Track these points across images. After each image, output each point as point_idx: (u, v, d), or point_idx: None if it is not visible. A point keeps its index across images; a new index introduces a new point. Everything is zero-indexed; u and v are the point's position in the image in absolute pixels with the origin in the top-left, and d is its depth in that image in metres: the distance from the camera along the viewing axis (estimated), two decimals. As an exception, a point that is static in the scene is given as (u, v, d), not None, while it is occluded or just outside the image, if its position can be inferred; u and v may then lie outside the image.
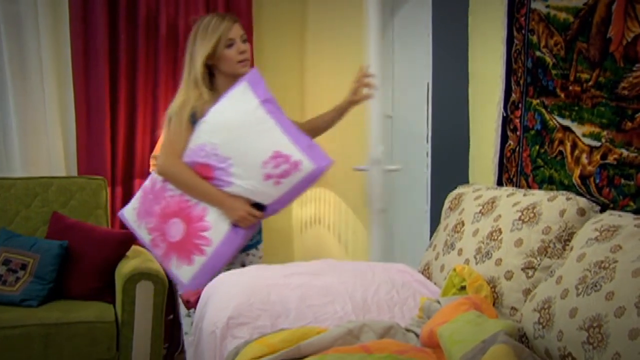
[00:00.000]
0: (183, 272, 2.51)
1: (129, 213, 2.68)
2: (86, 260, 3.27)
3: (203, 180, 2.48)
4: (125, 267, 3.18)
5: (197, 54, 2.51)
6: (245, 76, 2.53)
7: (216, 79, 2.59)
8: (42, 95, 3.80)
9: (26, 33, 3.76)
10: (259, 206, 2.50)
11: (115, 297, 3.22)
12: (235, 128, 2.48)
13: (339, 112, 2.82)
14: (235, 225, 2.48)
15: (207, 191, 2.47)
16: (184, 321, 2.71)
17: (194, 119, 2.51)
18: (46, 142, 3.82)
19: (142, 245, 2.70)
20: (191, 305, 2.39)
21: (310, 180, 2.46)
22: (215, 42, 2.49)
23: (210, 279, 2.36)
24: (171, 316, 3.88)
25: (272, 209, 2.53)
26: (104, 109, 3.88)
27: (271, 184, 2.43)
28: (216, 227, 2.48)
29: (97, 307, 3.15)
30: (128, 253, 3.39)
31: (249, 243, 2.68)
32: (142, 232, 2.61)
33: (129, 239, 3.36)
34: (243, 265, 2.64)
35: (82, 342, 3.00)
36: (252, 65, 2.60)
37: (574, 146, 2.21)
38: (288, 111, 2.54)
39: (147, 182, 2.68)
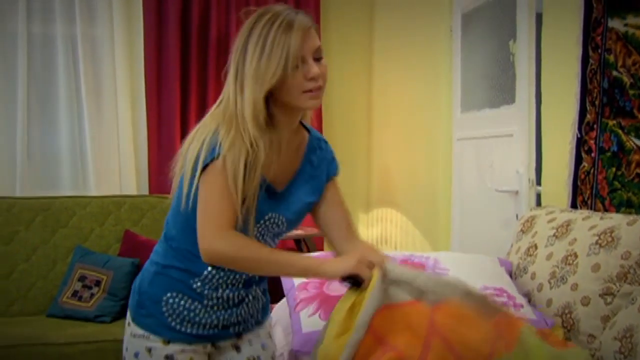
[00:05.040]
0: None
1: None
2: (157, 278, 3.35)
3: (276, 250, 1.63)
4: (194, 285, 3.23)
5: (249, 79, 1.56)
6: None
7: (272, 111, 1.60)
8: (116, 115, 3.95)
9: (102, 55, 3.93)
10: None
11: (185, 315, 3.28)
12: None
13: None
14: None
15: (290, 260, 1.57)
16: None
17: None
18: (118, 161, 3.96)
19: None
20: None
21: None
22: (281, 65, 1.53)
23: None
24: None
25: None
26: (175, 129, 3.99)
27: None
28: None
29: (167, 324, 3.21)
30: (197, 271, 3.44)
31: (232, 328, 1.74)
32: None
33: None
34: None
35: (152, 359, 3.05)
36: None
37: (652, 168, 2.15)
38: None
39: None
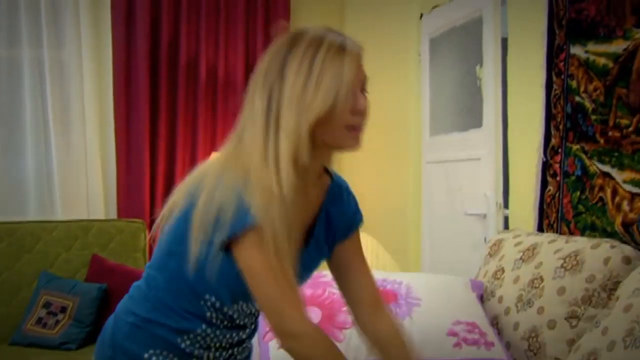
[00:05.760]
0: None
1: None
2: (124, 304, 3.30)
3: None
4: (162, 311, 3.18)
5: (289, 109, 1.27)
6: None
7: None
8: (84, 139, 3.91)
9: (70, 78, 3.89)
10: None
11: (153, 341, 3.23)
12: None
13: None
14: None
15: None
16: None
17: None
18: (86, 185, 3.91)
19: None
20: None
21: None
22: (332, 94, 1.30)
23: None
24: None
25: None
26: (144, 152, 3.95)
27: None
28: None
29: (134, 350, 3.16)
30: (165, 296, 3.40)
31: None
32: None
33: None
34: None
35: (119, 386, 3.00)
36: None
37: (615, 193, 2.18)
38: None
39: None
